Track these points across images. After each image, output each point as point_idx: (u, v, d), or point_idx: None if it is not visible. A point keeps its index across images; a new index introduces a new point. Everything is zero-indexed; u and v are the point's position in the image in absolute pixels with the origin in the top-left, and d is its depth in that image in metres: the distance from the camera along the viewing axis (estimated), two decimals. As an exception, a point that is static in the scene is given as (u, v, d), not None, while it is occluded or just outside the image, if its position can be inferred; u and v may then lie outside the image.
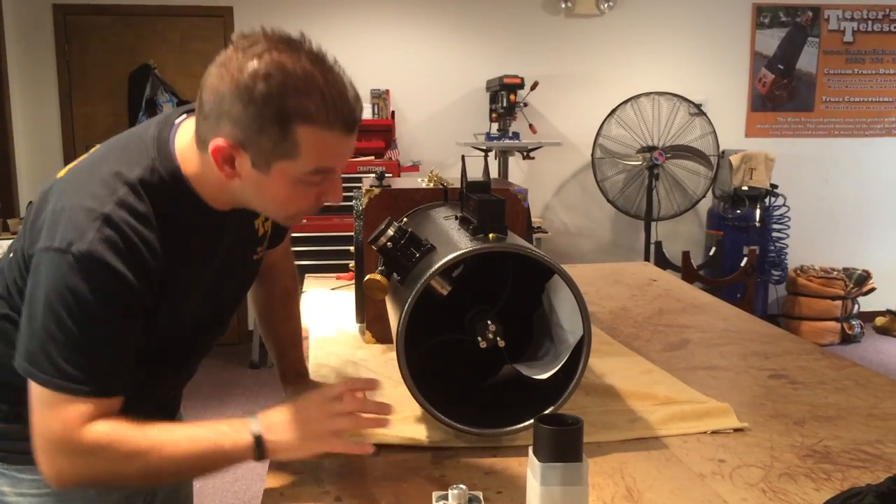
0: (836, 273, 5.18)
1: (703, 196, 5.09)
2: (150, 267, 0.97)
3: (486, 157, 1.52)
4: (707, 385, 1.50)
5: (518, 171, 5.08)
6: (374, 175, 1.79)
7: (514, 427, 1.18)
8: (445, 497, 0.85)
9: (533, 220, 5.12)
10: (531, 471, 0.86)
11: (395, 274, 1.23)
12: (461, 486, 0.85)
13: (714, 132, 4.99)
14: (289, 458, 1.05)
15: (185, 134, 1.03)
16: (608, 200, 5.01)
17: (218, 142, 0.96)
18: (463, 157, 1.37)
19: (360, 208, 1.71)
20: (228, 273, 1.18)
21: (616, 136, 4.97)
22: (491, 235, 1.18)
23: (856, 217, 5.56)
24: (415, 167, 4.77)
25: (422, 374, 1.17)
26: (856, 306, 5.24)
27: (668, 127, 4.99)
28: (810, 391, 1.48)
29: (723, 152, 5.05)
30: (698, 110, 5.02)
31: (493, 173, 4.69)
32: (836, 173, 5.51)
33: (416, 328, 1.17)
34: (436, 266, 1.14)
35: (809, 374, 1.59)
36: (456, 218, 1.36)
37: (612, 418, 1.32)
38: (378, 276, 1.22)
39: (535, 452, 0.86)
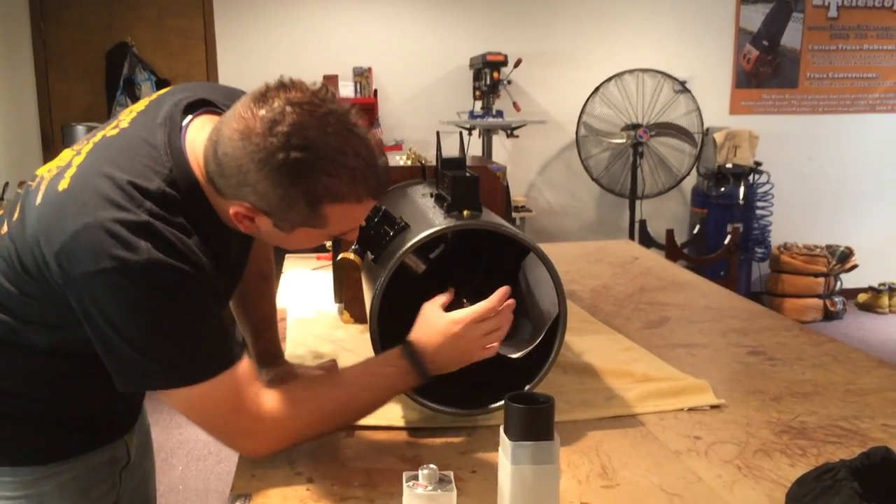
0: (818, 250, 5.21)
1: (688, 174, 5.08)
2: (206, 266, 0.95)
3: (461, 133, 1.49)
4: (685, 362, 1.50)
5: (502, 150, 5.05)
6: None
7: (488, 407, 1.18)
8: (416, 477, 0.84)
9: (517, 199, 5.10)
10: (502, 450, 0.85)
11: (369, 253, 1.21)
12: (432, 465, 0.84)
13: (698, 109, 4.98)
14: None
15: (193, 139, 0.99)
16: (593, 179, 4.99)
17: (239, 208, 0.95)
18: (438, 134, 1.35)
19: (337, 187, 1.69)
20: (236, 278, 1.18)
21: (600, 114, 4.95)
22: (465, 213, 1.17)
23: (839, 194, 5.58)
24: (398, 146, 4.73)
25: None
26: (838, 283, 5.27)
27: (653, 104, 4.97)
28: (788, 367, 1.48)
29: (707, 130, 5.04)
30: (682, 87, 5.00)
31: (477, 152, 4.67)
32: (819, 150, 5.52)
33: (391, 307, 1.15)
34: (408, 244, 1.12)
35: (788, 350, 1.59)
36: (431, 196, 1.34)
37: (588, 396, 1.31)
38: (351, 255, 1.20)
39: (505, 431, 0.85)
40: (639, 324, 1.78)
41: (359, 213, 0.99)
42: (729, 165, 4.95)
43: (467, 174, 1.23)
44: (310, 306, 1.86)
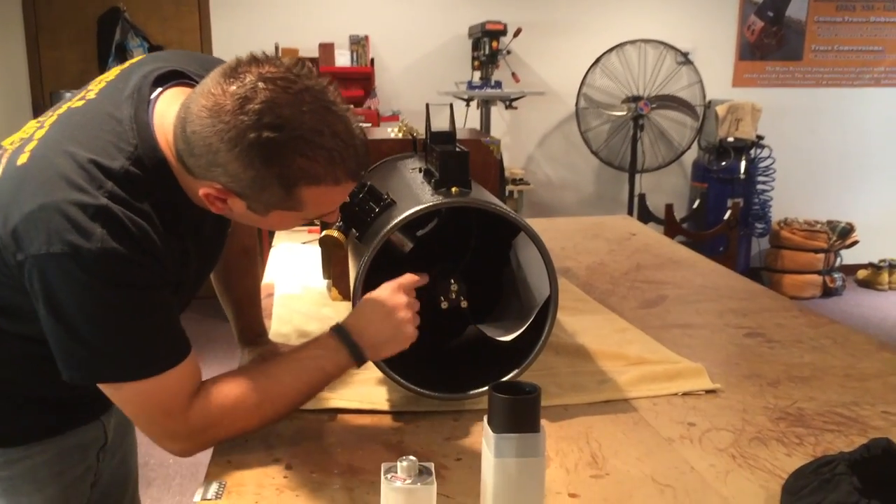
0: (819, 226, 5.16)
1: (689, 147, 5.02)
2: (162, 256, 0.90)
3: (451, 105, 1.43)
4: (681, 344, 1.46)
5: (500, 122, 4.98)
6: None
7: (476, 391, 1.14)
8: (394, 469, 0.80)
9: (515, 171, 5.05)
10: (486, 441, 0.81)
11: (353, 230, 1.17)
12: (411, 457, 0.80)
13: (701, 82, 4.90)
14: (388, 355, 1.06)
15: (163, 113, 0.93)
16: (592, 152, 4.92)
17: (210, 190, 0.89)
18: (427, 106, 1.29)
19: (325, 160, 1.63)
20: (210, 261, 1.14)
21: (601, 86, 4.87)
22: (454, 189, 1.11)
23: (841, 169, 5.51)
24: (395, 116, 4.65)
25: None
26: (838, 259, 5.23)
27: (654, 76, 4.88)
28: (786, 350, 1.44)
29: (709, 102, 4.97)
30: (685, 59, 4.91)
31: (475, 123, 4.60)
32: (822, 124, 5.44)
33: (376, 286, 1.11)
34: (393, 222, 1.07)
35: (786, 332, 1.55)
36: (420, 171, 1.29)
37: (580, 379, 1.27)
38: (335, 233, 1.16)
39: (489, 422, 0.81)
40: (634, 303, 1.74)
41: (337, 195, 0.93)
42: (730, 139, 4.88)
43: (457, 149, 1.18)
44: (298, 282, 1.82)
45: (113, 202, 0.85)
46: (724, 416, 1.16)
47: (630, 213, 4.81)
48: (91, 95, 0.97)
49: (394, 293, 1.05)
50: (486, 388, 1.13)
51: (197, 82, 0.93)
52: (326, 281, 1.76)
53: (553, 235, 2.38)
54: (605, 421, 1.14)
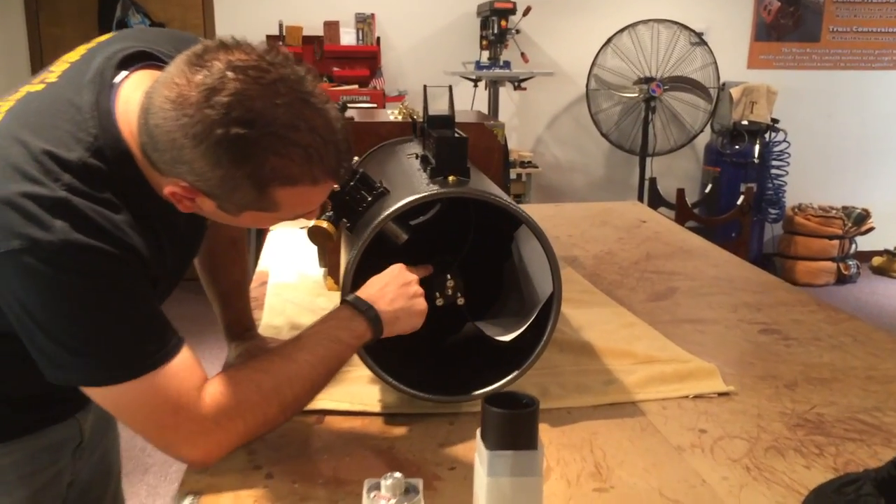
0: (834, 212, 5.04)
1: (701, 130, 4.90)
2: (137, 245, 0.82)
3: (450, 87, 1.34)
4: (692, 341, 1.39)
5: (509, 103, 4.87)
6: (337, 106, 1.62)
7: (474, 393, 1.07)
8: (377, 487, 0.73)
9: (523, 154, 4.94)
10: (479, 457, 0.74)
11: (344, 220, 1.09)
12: (396, 474, 0.73)
13: (715, 63, 4.77)
14: (402, 330, 1.01)
15: (127, 99, 0.84)
16: (602, 134, 4.82)
17: (175, 188, 0.82)
18: (425, 87, 1.21)
19: (320, 143, 1.56)
20: (186, 257, 1.05)
21: (612, 67, 4.75)
22: (451, 178, 1.04)
23: (858, 154, 5.38)
24: (401, 97, 4.56)
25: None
26: (853, 246, 5.12)
27: (667, 57, 4.76)
28: (804, 348, 1.37)
29: (723, 84, 4.84)
30: (699, 39, 4.78)
31: (483, 104, 4.50)
32: (839, 108, 5.31)
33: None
34: (385, 213, 1.00)
35: (804, 328, 1.47)
36: (417, 157, 1.21)
37: (585, 379, 1.20)
38: (324, 223, 1.08)
39: (482, 437, 0.74)
40: (643, 295, 1.66)
41: (315, 195, 0.86)
42: (745, 122, 4.76)
43: (455, 134, 1.10)
44: (293, 270, 1.75)
45: (73, 195, 0.77)
46: (738, 421, 1.09)
47: (640, 197, 4.72)
48: (52, 78, 0.89)
49: (402, 271, 1.02)
50: (484, 390, 1.07)
51: (167, 64, 0.85)
52: (322, 269, 1.70)
53: (560, 222, 2.30)
54: (610, 426, 1.07)
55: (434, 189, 1.01)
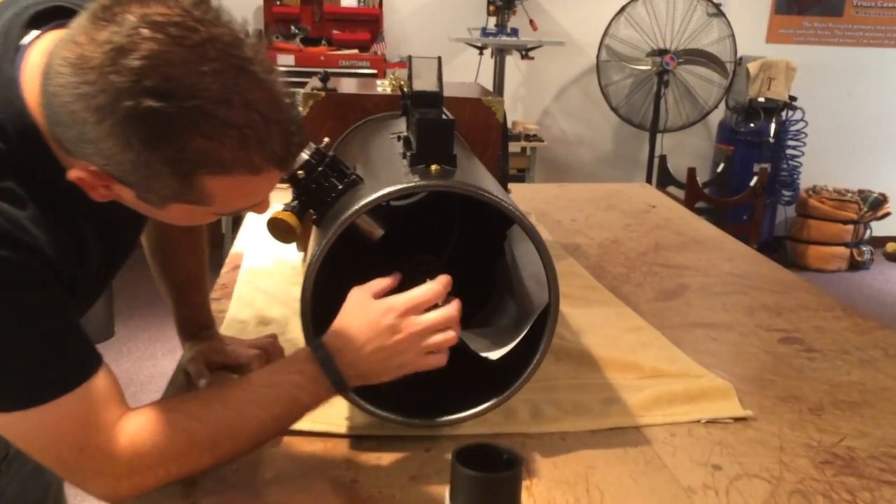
0: (850, 195, 4.86)
1: (715, 107, 4.70)
2: (44, 248, 0.68)
3: (439, 59, 1.18)
4: (704, 350, 1.24)
5: (516, 72, 4.68)
6: (318, 76, 1.46)
7: (454, 417, 0.93)
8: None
9: (529, 127, 4.75)
10: (447, 524, 0.60)
11: (311, 211, 0.94)
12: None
13: (733, 36, 4.56)
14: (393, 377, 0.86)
15: (35, 64, 0.69)
16: (611, 108, 4.63)
17: (82, 172, 0.66)
18: (410, 58, 1.06)
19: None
20: (122, 248, 0.90)
21: (625, 37, 4.54)
22: (433, 168, 0.89)
23: (877, 135, 5.18)
24: (402, 63, 4.37)
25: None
26: (867, 231, 4.94)
27: (683, 28, 4.55)
28: (829, 363, 1.22)
29: (740, 59, 4.63)
30: (717, 10, 4.57)
31: (489, 74, 4.31)
32: (861, 86, 5.09)
33: (341, 281, 0.89)
34: (354, 207, 0.85)
35: (828, 338, 1.32)
36: (399, 139, 1.06)
37: (584, 396, 1.06)
38: (285, 215, 0.93)
39: (451, 499, 0.60)
40: (651, 293, 1.52)
41: (257, 186, 0.71)
42: (761, 99, 4.56)
43: (442, 116, 0.95)
44: (269, 254, 1.60)
45: None
46: (757, 455, 0.95)
47: (649, 175, 4.55)
48: None
49: (404, 318, 0.83)
50: (466, 413, 0.93)
51: None
52: (301, 254, 1.55)
53: (564, 204, 2.14)
54: (610, 458, 0.93)
55: (413, 181, 0.86)
